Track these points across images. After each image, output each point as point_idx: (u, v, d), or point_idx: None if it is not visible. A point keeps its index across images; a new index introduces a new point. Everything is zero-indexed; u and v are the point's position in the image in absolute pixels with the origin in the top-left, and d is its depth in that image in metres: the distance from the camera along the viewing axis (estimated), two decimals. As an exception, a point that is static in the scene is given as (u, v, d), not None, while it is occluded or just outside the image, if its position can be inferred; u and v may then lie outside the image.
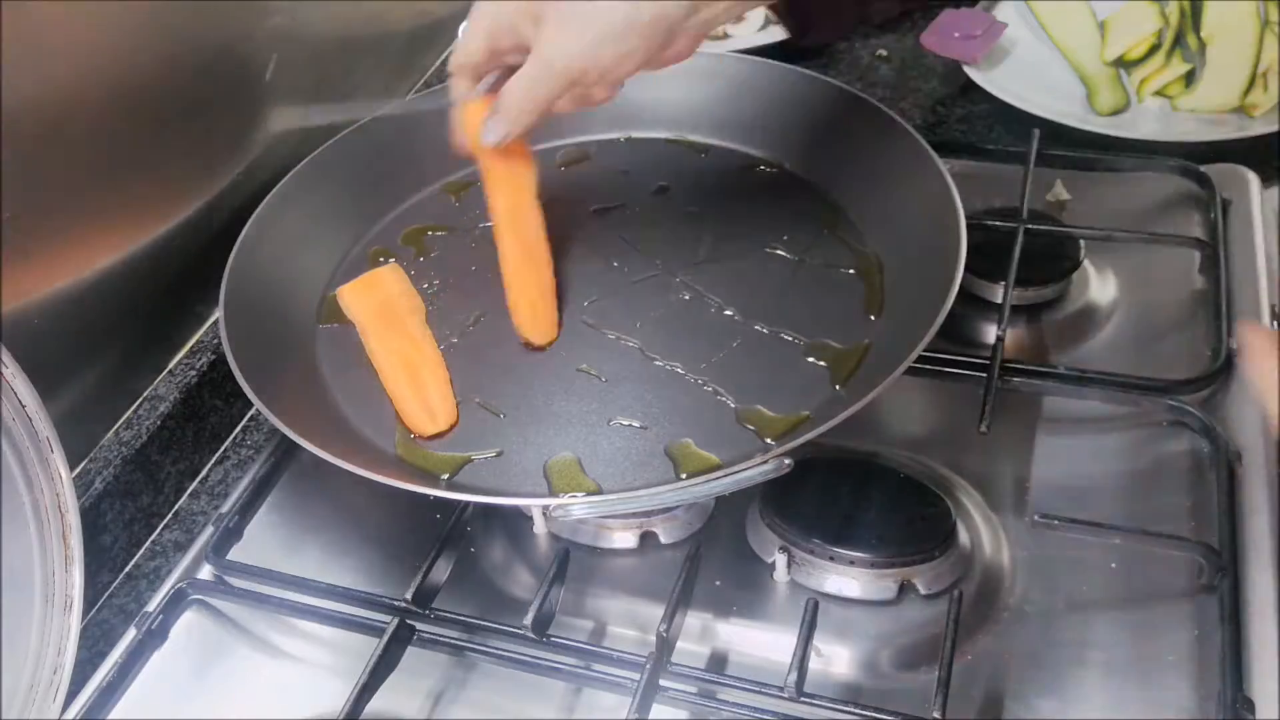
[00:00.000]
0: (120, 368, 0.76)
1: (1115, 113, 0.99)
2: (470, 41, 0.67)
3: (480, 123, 0.68)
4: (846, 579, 0.64)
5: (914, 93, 1.08)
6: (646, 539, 0.68)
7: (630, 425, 0.68)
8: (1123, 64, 1.02)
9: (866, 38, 1.16)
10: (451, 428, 0.69)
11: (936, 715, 0.55)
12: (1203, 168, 0.88)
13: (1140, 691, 0.59)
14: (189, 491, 0.78)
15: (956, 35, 1.05)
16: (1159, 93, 1.00)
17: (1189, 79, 1.00)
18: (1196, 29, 1.00)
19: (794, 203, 0.83)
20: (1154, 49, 1.01)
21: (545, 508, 0.68)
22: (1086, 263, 0.82)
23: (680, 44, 0.63)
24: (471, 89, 0.69)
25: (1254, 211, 0.86)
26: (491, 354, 0.74)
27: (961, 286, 0.65)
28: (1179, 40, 1.01)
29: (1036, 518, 0.64)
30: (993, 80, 1.01)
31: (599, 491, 0.64)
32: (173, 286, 0.79)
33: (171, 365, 0.80)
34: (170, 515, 0.76)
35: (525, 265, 0.75)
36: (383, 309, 0.77)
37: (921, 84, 1.09)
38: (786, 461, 0.60)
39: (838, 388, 0.68)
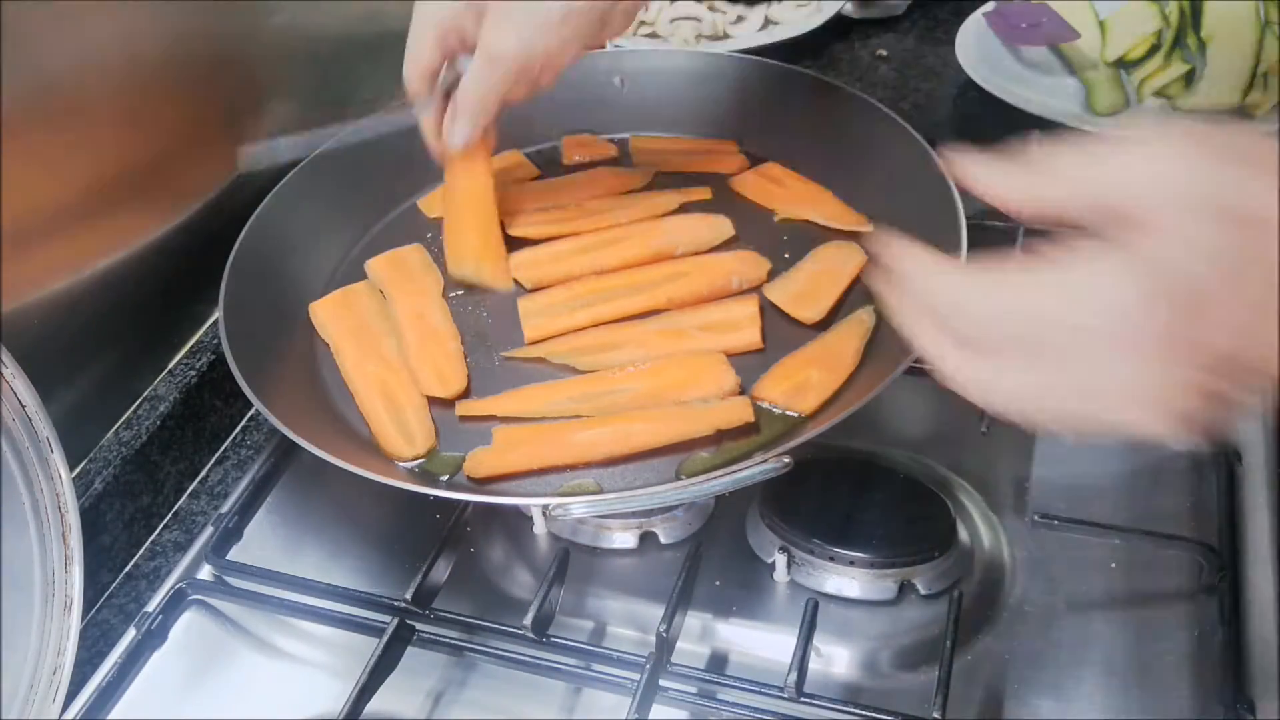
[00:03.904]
0: (120, 368, 0.76)
1: (1114, 113, 0.99)
2: (419, 48, 0.69)
3: (445, 128, 0.72)
4: (846, 579, 0.64)
5: (914, 93, 1.08)
6: (646, 539, 0.68)
7: (630, 425, 0.68)
8: (1123, 64, 1.02)
9: (867, 38, 1.16)
10: (430, 450, 0.67)
11: (936, 715, 0.55)
12: (1203, 168, 0.88)
13: (1140, 691, 0.59)
14: (189, 491, 0.78)
15: (1023, 25, 1.04)
16: (1159, 93, 1.00)
17: (1189, 79, 1.00)
18: (1196, 29, 0.99)
19: (794, 203, 0.83)
20: (1154, 49, 1.01)
21: (545, 508, 0.68)
22: (1086, 263, 0.82)
23: (616, 23, 0.66)
24: (429, 95, 0.71)
25: (1254, 211, 0.86)
26: (492, 351, 0.74)
27: (962, 286, 0.65)
28: (1179, 40, 1.01)
29: (1036, 518, 0.64)
30: (992, 80, 1.01)
31: (599, 491, 0.64)
32: (173, 286, 0.79)
33: (171, 365, 0.80)
34: (170, 515, 0.76)
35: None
36: (357, 329, 0.74)
37: (921, 84, 1.09)
38: (786, 461, 0.60)
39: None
